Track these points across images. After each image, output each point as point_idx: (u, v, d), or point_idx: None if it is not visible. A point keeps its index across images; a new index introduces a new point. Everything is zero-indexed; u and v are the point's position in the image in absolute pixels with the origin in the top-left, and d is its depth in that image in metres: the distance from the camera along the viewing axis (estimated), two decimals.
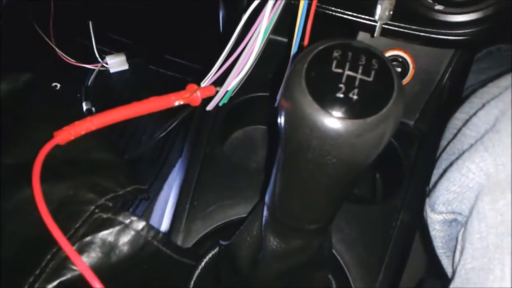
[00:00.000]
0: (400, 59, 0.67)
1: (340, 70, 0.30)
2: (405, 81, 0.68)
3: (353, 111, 0.29)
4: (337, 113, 0.29)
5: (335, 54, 0.31)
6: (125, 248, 0.51)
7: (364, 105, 0.29)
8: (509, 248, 0.37)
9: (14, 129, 0.57)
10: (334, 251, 0.61)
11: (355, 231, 0.62)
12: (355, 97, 0.29)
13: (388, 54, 0.67)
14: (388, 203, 0.65)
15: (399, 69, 0.67)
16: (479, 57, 0.81)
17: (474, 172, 0.41)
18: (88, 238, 0.50)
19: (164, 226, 0.65)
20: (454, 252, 0.44)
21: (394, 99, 0.29)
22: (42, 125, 0.57)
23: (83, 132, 0.50)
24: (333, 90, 0.29)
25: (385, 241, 0.62)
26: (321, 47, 0.31)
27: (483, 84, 0.52)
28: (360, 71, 0.30)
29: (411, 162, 0.68)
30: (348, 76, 0.30)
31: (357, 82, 0.30)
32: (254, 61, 0.55)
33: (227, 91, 0.58)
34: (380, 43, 0.65)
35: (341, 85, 0.29)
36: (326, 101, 0.29)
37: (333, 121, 0.29)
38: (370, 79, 0.30)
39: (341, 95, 0.29)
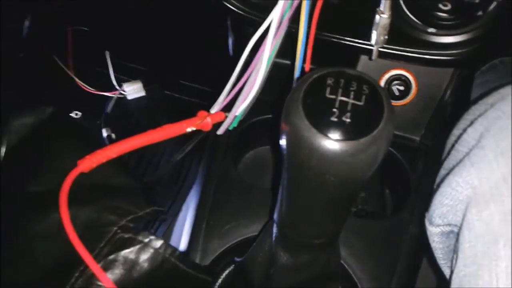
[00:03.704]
0: (403, 78, 0.69)
1: (333, 96, 0.33)
2: (408, 98, 0.71)
3: (347, 133, 0.31)
4: (332, 135, 0.31)
5: (329, 81, 0.34)
6: (145, 265, 0.55)
7: (356, 127, 0.32)
8: (495, 255, 0.39)
9: (41, 159, 0.61)
10: (346, 266, 0.63)
11: (366, 246, 0.64)
12: (348, 120, 0.32)
13: (390, 73, 0.69)
14: (397, 217, 0.67)
15: (402, 88, 0.70)
16: (483, 70, 0.83)
17: (462, 186, 0.44)
18: (111, 257, 0.54)
19: (183, 246, 0.67)
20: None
21: (384, 120, 0.32)
22: (66, 154, 0.61)
23: (104, 160, 0.53)
24: (328, 114, 0.32)
25: (395, 255, 0.63)
26: (315, 76, 0.34)
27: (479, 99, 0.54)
28: (352, 96, 0.33)
29: (418, 176, 0.70)
30: (341, 101, 0.33)
31: (349, 107, 0.32)
32: (259, 88, 0.58)
33: (235, 116, 0.61)
34: (382, 64, 0.68)
35: (335, 110, 0.32)
36: (321, 125, 0.32)
37: (329, 143, 0.31)
38: (361, 103, 0.33)
39: (335, 119, 0.32)
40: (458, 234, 0.44)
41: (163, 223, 0.84)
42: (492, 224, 0.40)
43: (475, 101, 0.51)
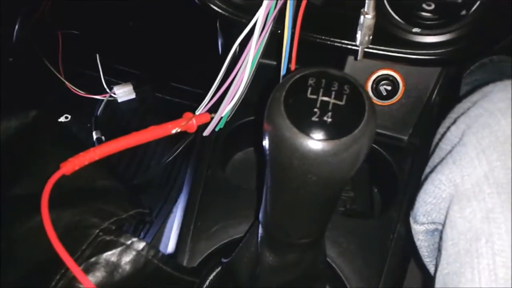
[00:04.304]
0: (391, 78, 0.70)
1: (314, 96, 0.33)
2: (396, 98, 0.71)
3: (328, 132, 0.31)
4: (314, 135, 0.31)
5: (310, 81, 0.34)
6: (127, 267, 0.55)
7: (337, 127, 0.32)
8: (477, 252, 0.39)
9: (25, 162, 0.61)
10: (334, 265, 0.63)
11: (354, 245, 0.64)
12: (329, 120, 0.32)
13: (378, 73, 0.69)
14: (385, 217, 0.67)
15: (389, 87, 0.70)
16: (473, 69, 0.83)
17: (445, 184, 0.44)
18: (93, 259, 0.54)
19: (171, 247, 0.67)
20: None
21: (365, 120, 0.32)
22: (51, 157, 0.61)
23: (87, 162, 0.53)
24: (309, 114, 0.32)
25: (383, 254, 0.64)
26: (297, 76, 0.34)
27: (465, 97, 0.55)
28: (333, 96, 0.33)
29: (406, 176, 0.70)
30: (322, 101, 0.33)
31: (330, 106, 0.32)
32: (245, 88, 0.58)
33: (221, 117, 0.61)
34: (370, 64, 0.68)
35: (316, 110, 0.32)
36: (303, 125, 0.32)
37: (311, 142, 0.31)
38: (342, 103, 0.33)
39: (316, 119, 0.32)
40: (441, 232, 0.45)
41: (152, 225, 0.84)
42: (474, 221, 0.40)
43: (460, 100, 0.51)
